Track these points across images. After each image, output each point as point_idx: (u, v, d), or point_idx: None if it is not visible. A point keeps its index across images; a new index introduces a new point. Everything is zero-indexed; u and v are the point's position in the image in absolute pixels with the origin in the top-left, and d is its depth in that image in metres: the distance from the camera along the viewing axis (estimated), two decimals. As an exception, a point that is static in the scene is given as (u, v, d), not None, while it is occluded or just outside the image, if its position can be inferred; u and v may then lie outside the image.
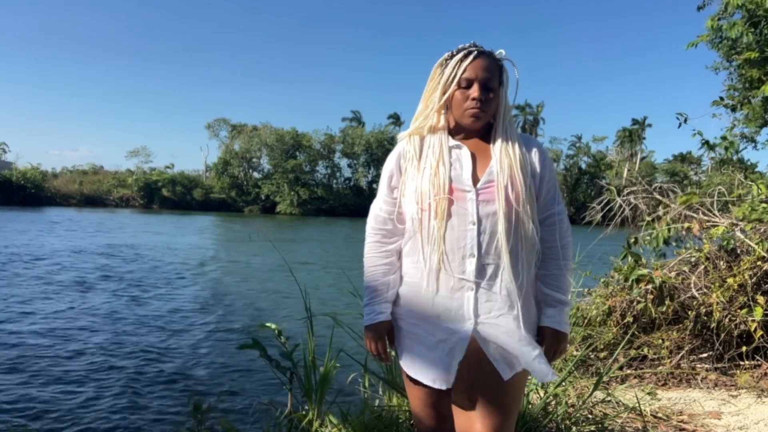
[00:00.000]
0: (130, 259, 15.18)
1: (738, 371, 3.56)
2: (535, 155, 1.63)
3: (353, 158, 62.63)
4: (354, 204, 57.66)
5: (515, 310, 1.55)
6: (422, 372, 1.62)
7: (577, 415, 2.70)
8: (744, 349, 3.53)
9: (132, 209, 51.71)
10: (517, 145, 1.60)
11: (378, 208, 1.69)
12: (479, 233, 1.54)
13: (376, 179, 65.50)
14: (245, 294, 10.90)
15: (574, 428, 2.59)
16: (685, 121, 4.97)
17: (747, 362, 3.59)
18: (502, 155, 1.57)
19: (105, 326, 7.61)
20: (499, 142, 1.59)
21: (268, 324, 2.67)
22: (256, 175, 61.58)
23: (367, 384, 2.88)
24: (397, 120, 66.41)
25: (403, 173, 1.64)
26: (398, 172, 1.66)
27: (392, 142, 62.94)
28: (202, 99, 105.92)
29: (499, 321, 1.54)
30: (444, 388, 1.59)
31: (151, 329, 7.56)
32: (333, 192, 59.70)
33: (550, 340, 1.62)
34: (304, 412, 2.69)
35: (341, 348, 2.85)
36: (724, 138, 5.06)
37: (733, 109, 5.99)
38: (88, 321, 7.86)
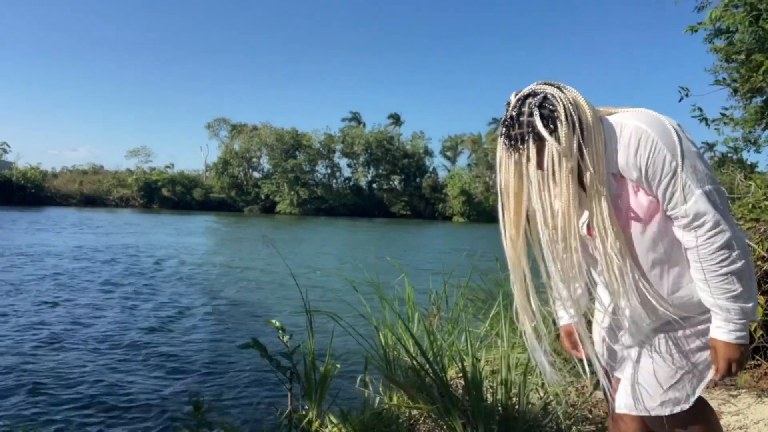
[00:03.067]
0: (129, 259, 15.18)
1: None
2: None
3: (353, 158, 62.67)
4: (354, 204, 57.63)
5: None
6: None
7: (577, 414, 2.70)
8: (744, 348, 3.53)
9: (132, 209, 51.73)
10: None
11: None
12: None
13: (375, 179, 65.73)
14: (245, 294, 10.90)
15: (574, 428, 2.59)
16: (687, 95, 4.83)
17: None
18: None
19: (102, 325, 7.61)
20: None
21: (272, 321, 2.67)
22: (256, 174, 61.63)
23: (367, 383, 2.89)
24: (397, 120, 66.38)
25: None
26: None
27: (391, 141, 63.08)
28: (202, 99, 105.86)
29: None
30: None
31: (149, 328, 7.56)
32: (333, 192, 59.70)
33: None
34: (304, 412, 2.69)
35: (341, 347, 2.85)
36: (723, 114, 4.90)
37: (735, 91, 5.82)
38: (84, 319, 7.86)
